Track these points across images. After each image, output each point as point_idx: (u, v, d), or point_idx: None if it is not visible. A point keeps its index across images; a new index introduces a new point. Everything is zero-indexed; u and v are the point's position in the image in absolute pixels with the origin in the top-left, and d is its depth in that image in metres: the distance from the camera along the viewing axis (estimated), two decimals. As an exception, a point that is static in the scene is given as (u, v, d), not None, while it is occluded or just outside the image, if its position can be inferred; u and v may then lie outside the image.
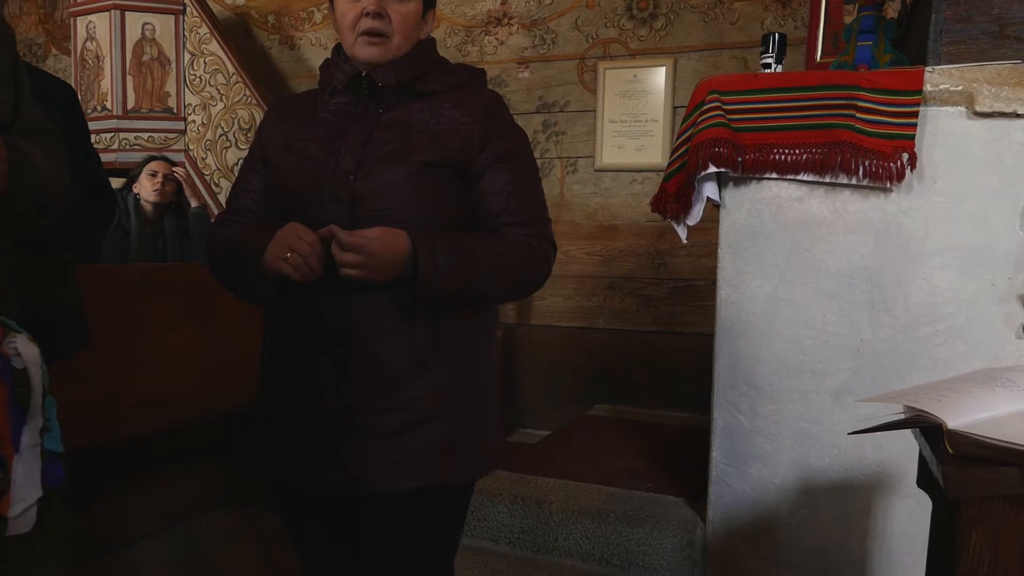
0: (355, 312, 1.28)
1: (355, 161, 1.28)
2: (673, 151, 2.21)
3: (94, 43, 4.19)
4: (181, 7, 4.18)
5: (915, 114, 1.89)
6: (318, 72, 1.44)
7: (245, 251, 1.30)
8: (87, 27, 4.20)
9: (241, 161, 4.21)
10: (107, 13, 4.10)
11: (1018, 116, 1.85)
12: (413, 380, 1.29)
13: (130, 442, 2.45)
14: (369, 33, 1.29)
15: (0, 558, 1.03)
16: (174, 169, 3.39)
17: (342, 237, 1.20)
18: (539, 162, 4.05)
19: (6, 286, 1.16)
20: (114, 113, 4.13)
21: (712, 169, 2.02)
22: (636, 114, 3.93)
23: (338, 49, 1.39)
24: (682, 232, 2.23)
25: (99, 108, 4.15)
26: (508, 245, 1.32)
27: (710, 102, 2.06)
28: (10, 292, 1.18)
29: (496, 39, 4.19)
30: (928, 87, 1.89)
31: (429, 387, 1.30)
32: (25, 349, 1.02)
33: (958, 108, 1.90)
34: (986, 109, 1.86)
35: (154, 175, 3.30)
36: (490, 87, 1.46)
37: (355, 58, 1.34)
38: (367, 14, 1.28)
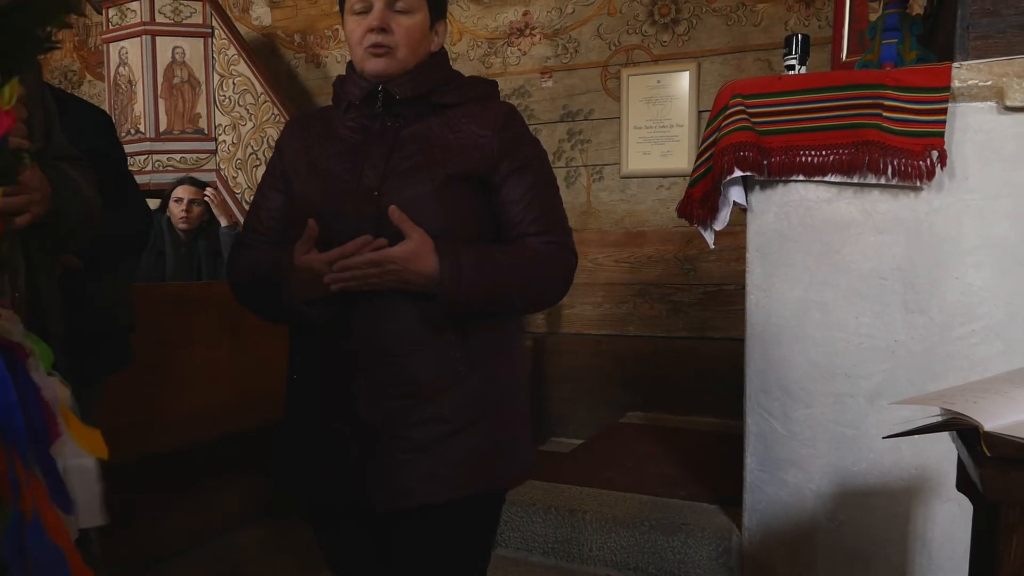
0: (386, 327, 1.29)
1: (378, 177, 1.30)
2: (698, 156, 2.20)
3: (126, 68, 4.29)
4: (209, 30, 4.27)
5: (944, 111, 1.86)
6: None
7: (272, 278, 1.31)
8: (119, 53, 4.31)
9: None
10: (138, 39, 4.21)
11: (1051, 109, 1.82)
12: (445, 392, 1.30)
13: (167, 457, 2.49)
14: (375, 46, 1.32)
15: None
16: (204, 193, 3.43)
17: (371, 257, 1.22)
18: (565, 171, 4.12)
19: (51, 307, 1.19)
20: (147, 136, 4.23)
21: (738, 173, 2.01)
22: (661, 120, 3.93)
23: (352, 65, 1.41)
24: (709, 237, 2.22)
25: (133, 131, 4.24)
26: (531, 256, 1.33)
27: (734, 106, 2.05)
28: (55, 312, 1.20)
29: (519, 49, 4.20)
30: (956, 83, 1.87)
31: (461, 398, 1.31)
32: (52, 394, 0.97)
33: (988, 103, 1.87)
34: (1017, 103, 1.83)
35: (179, 201, 3.35)
36: (514, 97, 1.47)
37: (364, 72, 1.36)
38: (371, 29, 1.31)
